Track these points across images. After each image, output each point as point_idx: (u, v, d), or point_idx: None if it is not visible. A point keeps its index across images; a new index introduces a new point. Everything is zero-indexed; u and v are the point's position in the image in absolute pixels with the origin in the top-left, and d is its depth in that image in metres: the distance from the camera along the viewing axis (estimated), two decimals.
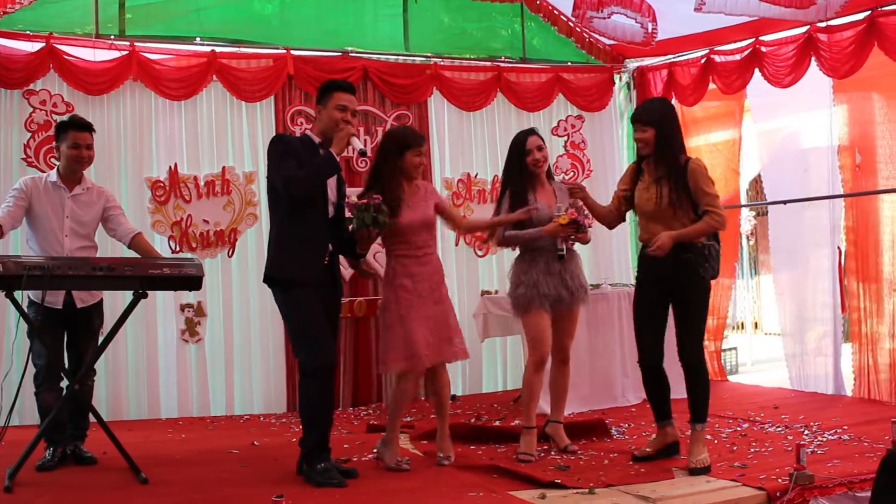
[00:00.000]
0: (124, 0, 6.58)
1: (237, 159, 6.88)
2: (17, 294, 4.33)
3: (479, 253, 7.61)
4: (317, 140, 4.48)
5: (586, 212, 4.90)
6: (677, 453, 4.74)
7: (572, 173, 7.92)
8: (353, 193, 6.46)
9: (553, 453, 4.97)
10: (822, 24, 6.28)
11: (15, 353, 5.26)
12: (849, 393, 6.57)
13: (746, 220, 11.34)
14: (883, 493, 3.03)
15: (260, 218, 6.82)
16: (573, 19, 7.53)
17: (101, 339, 4.85)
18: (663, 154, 4.51)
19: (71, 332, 4.84)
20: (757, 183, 9.85)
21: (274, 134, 6.79)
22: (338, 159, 4.35)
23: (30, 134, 6.25)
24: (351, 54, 7.25)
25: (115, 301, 5.52)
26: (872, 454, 4.55)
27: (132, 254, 4.92)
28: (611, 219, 4.92)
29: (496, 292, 6.86)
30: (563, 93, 7.96)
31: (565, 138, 7.99)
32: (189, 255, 6.35)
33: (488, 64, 7.79)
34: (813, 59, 6.42)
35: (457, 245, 7.48)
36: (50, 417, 4.50)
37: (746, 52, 6.98)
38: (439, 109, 7.57)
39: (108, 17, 6.53)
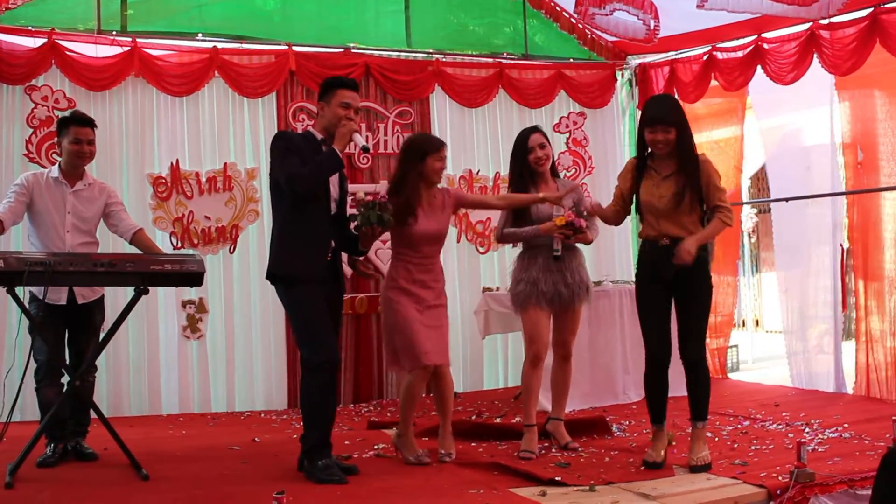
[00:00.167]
0: None
1: (239, 155, 6.88)
2: (19, 290, 4.33)
3: (481, 249, 7.61)
4: (319, 136, 4.47)
5: (586, 213, 4.90)
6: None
7: (574, 170, 7.91)
8: (356, 189, 6.51)
9: (554, 450, 4.97)
10: (825, 21, 6.27)
11: (17, 350, 5.26)
12: (850, 391, 6.57)
13: (748, 217, 11.32)
14: (884, 490, 3.03)
15: (262, 214, 6.83)
16: (575, 16, 7.54)
17: (102, 335, 4.86)
18: (683, 152, 4.48)
19: (72, 329, 4.84)
20: (759, 180, 9.85)
21: (276, 130, 6.82)
22: (340, 156, 4.36)
23: (31, 130, 6.25)
24: (353, 50, 7.24)
25: (116, 297, 5.53)
26: (873, 452, 4.55)
27: (134, 250, 4.93)
28: (616, 218, 4.87)
29: (497, 289, 6.86)
30: (564, 89, 7.95)
31: (567, 135, 7.98)
32: (190, 252, 6.35)
33: (490, 60, 7.77)
34: (815, 56, 6.41)
35: (458, 242, 7.48)
36: (51, 413, 4.50)
37: (749, 49, 6.97)
38: (441, 106, 7.56)
39: (109, 13, 6.52)
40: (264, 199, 6.79)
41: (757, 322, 12.63)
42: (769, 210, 7.79)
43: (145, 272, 4.42)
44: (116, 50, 6.48)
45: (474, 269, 7.56)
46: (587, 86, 8.02)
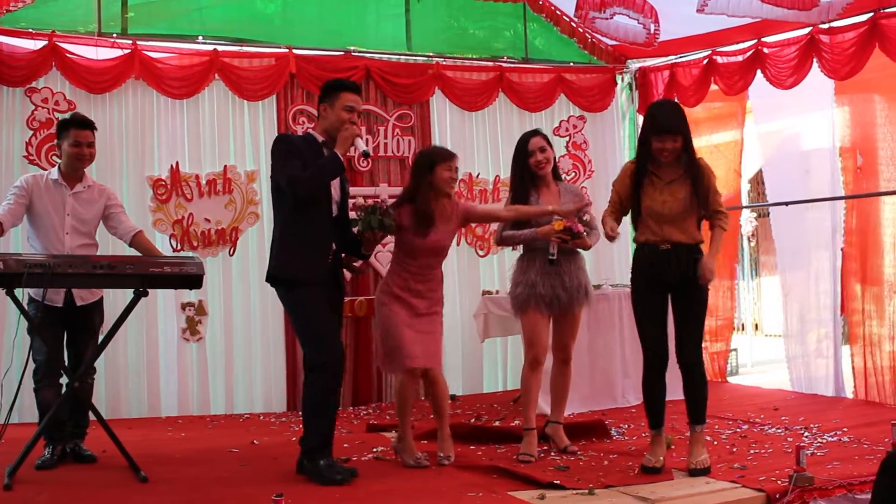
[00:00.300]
0: None
1: (239, 158, 6.88)
2: (18, 291, 4.33)
3: (480, 253, 7.61)
4: (320, 139, 4.48)
5: (586, 218, 4.90)
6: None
7: (573, 174, 7.91)
8: (356, 193, 6.51)
9: (553, 454, 4.96)
10: (825, 26, 6.28)
11: (15, 351, 5.26)
12: (849, 395, 6.57)
13: (748, 221, 11.34)
14: (883, 495, 3.02)
15: (261, 217, 6.83)
16: (575, 20, 7.54)
17: (101, 337, 4.86)
18: (689, 158, 4.48)
19: (71, 331, 4.84)
20: (759, 184, 9.85)
21: (276, 133, 6.83)
22: (342, 159, 4.36)
23: (31, 132, 6.25)
24: (353, 54, 7.25)
25: (115, 299, 5.53)
26: (872, 456, 4.54)
27: (133, 252, 4.93)
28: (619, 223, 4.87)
29: (497, 292, 6.86)
30: (564, 93, 7.96)
31: (567, 139, 7.99)
32: (190, 254, 6.34)
33: (490, 64, 7.78)
34: (815, 60, 6.42)
35: (458, 245, 7.48)
36: (49, 415, 4.50)
37: (749, 54, 6.97)
38: (441, 109, 7.57)
39: (110, 16, 6.53)
40: (264, 202, 6.79)
41: (756, 326, 12.63)
42: (768, 214, 7.79)
43: (145, 274, 4.42)
44: (117, 52, 6.48)
45: (474, 272, 7.56)
46: (587, 89, 8.03)
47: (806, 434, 5.29)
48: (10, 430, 4.34)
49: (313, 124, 6.76)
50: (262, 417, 6.57)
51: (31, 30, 6.27)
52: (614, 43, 7.72)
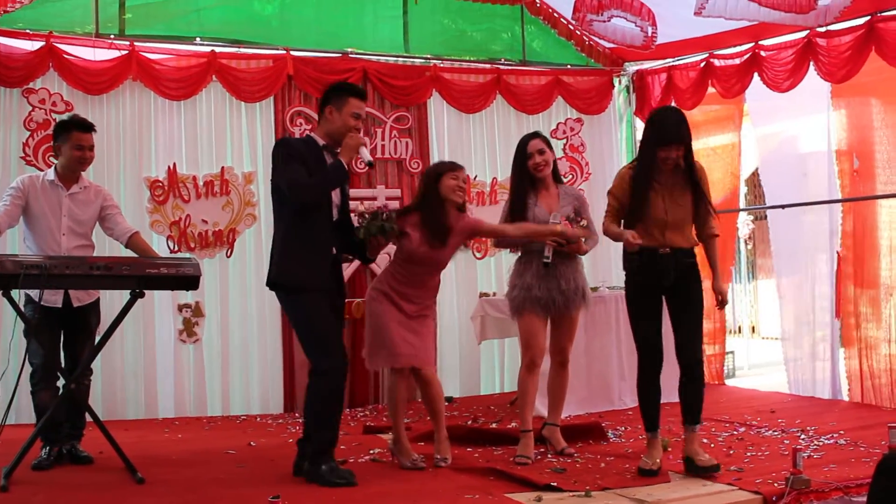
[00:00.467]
0: (124, 0, 6.58)
1: (236, 160, 6.88)
2: (14, 293, 4.33)
3: (478, 255, 7.61)
4: (321, 142, 4.45)
5: (583, 223, 4.89)
6: None
7: (571, 176, 7.91)
8: (354, 194, 6.50)
9: (550, 456, 4.96)
10: (822, 29, 6.29)
11: (12, 353, 5.26)
12: (846, 398, 6.58)
13: (745, 224, 11.34)
14: (879, 497, 3.03)
15: (259, 218, 6.83)
16: (573, 22, 7.56)
17: (97, 338, 4.85)
18: (690, 165, 4.49)
19: (67, 332, 4.84)
20: (756, 187, 9.86)
21: (273, 134, 6.84)
22: (347, 168, 4.36)
23: (29, 132, 6.25)
24: (351, 55, 7.25)
25: (112, 301, 5.52)
26: (869, 459, 4.55)
27: (129, 253, 4.92)
28: None
29: (494, 294, 6.86)
30: (562, 95, 7.97)
31: (564, 141, 7.99)
32: (187, 255, 6.35)
33: (488, 66, 7.79)
34: (811, 63, 6.43)
35: None
36: (46, 416, 4.50)
37: (746, 57, 6.98)
38: (439, 111, 7.58)
39: (107, 17, 6.52)
40: (261, 204, 6.79)
41: (753, 329, 12.64)
42: (766, 217, 7.79)
43: (141, 275, 4.41)
44: (114, 53, 6.48)
45: (471, 275, 7.56)
46: (584, 92, 8.03)
47: (802, 436, 5.30)
48: (7, 431, 4.34)
49: (311, 126, 6.81)
50: (258, 419, 6.57)
51: (28, 30, 6.27)
52: (612, 45, 7.73)
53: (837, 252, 6.63)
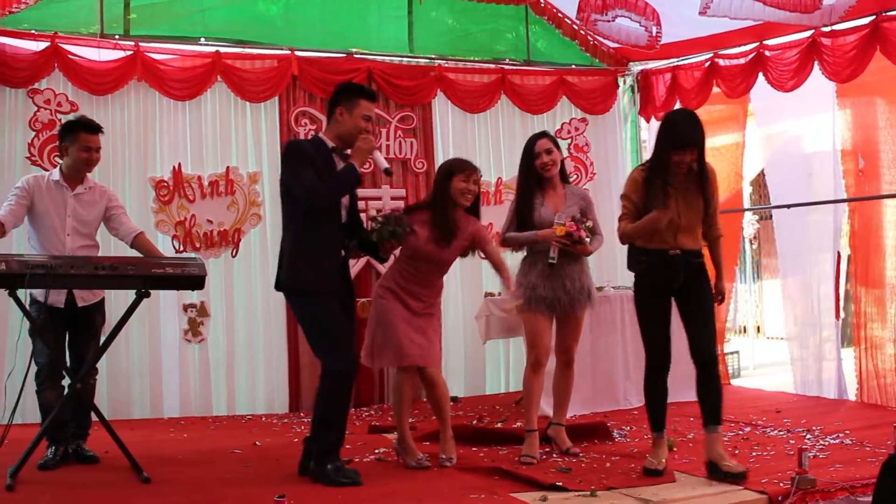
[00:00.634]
0: (129, 0, 6.59)
1: (241, 160, 6.89)
2: (20, 293, 4.33)
3: (483, 254, 7.59)
4: (330, 144, 4.44)
5: (589, 224, 4.89)
6: None
7: (575, 176, 7.91)
8: (359, 196, 6.50)
9: (555, 456, 4.97)
10: (827, 29, 6.28)
11: (17, 353, 5.26)
12: (852, 397, 6.57)
13: (749, 223, 11.33)
14: (885, 497, 3.03)
15: (264, 218, 6.84)
16: (577, 22, 7.56)
17: (103, 338, 4.86)
18: (703, 168, 4.47)
19: (73, 331, 4.84)
20: (761, 186, 9.85)
21: (278, 135, 6.86)
22: (360, 171, 4.36)
23: (34, 133, 6.26)
24: (355, 56, 7.25)
25: (117, 301, 5.53)
26: (874, 459, 4.54)
27: (134, 253, 4.93)
28: None
29: (499, 294, 6.86)
30: (566, 95, 7.97)
31: (569, 141, 7.99)
32: (192, 255, 6.35)
33: (492, 66, 7.79)
34: (816, 63, 6.42)
35: None
36: (52, 416, 4.50)
37: (750, 56, 6.97)
38: (443, 111, 7.58)
39: (112, 17, 6.53)
40: (266, 204, 6.81)
41: (758, 328, 12.63)
42: (771, 217, 7.78)
43: (147, 275, 4.42)
44: (119, 54, 6.48)
45: (476, 274, 7.55)
46: (589, 92, 8.03)
47: (808, 436, 5.29)
48: (13, 430, 4.37)
49: (315, 126, 6.83)
50: (264, 418, 6.58)
51: (33, 31, 6.28)
52: (616, 45, 7.73)
53: (838, 252, 6.62)
